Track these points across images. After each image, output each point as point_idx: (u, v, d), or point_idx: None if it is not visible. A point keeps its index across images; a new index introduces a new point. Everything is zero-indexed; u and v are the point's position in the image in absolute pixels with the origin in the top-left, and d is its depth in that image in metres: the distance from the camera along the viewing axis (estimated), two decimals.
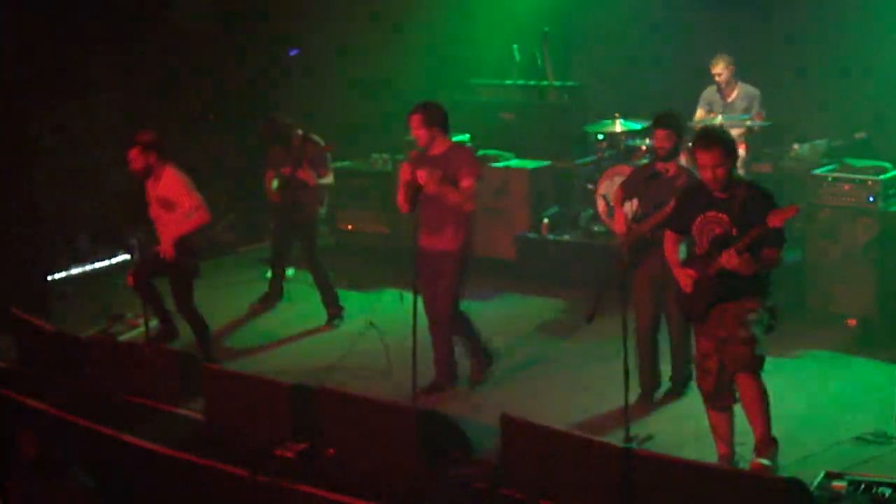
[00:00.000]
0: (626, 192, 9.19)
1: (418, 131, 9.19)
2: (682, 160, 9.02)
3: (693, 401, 8.19)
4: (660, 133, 8.80)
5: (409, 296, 8.91)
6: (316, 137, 11.24)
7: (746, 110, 11.74)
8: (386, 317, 9.51)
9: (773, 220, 7.14)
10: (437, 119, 9.20)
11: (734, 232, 7.30)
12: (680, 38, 12.80)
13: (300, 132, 11.26)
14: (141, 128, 10.54)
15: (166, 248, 10.05)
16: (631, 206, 9.05)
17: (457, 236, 9.15)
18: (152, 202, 10.34)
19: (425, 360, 8.84)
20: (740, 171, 9.87)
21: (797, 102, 12.04)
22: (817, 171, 10.59)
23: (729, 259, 7.23)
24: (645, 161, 10.63)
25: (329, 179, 11.27)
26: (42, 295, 11.68)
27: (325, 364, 9.91)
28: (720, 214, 7.39)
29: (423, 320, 8.84)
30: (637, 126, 12.25)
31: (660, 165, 8.83)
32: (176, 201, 10.14)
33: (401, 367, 9.07)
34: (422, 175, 8.89)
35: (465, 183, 9.04)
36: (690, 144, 7.78)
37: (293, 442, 8.19)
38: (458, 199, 8.95)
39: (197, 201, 10.09)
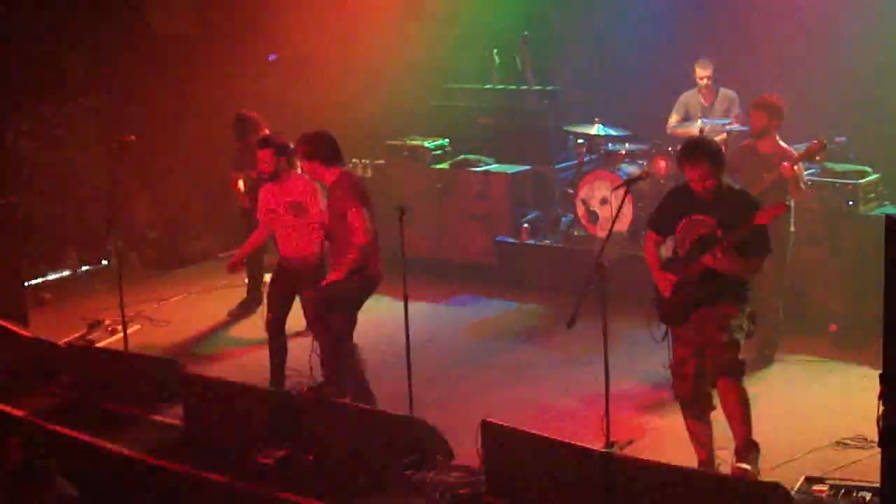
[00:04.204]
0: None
1: (305, 166, 9.17)
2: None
3: (673, 405, 8.17)
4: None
5: None
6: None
7: (725, 114, 11.75)
8: (371, 323, 9.48)
9: (762, 218, 7.15)
10: (319, 149, 9.04)
11: (719, 234, 7.28)
12: (659, 43, 12.80)
13: (268, 132, 11.20)
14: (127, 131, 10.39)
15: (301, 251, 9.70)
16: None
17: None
18: (277, 206, 9.72)
19: (418, 366, 8.78)
20: None
21: None
22: None
23: (713, 259, 7.21)
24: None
25: None
26: (19, 301, 11.61)
27: (304, 369, 9.87)
28: (706, 217, 7.38)
29: (415, 326, 8.75)
30: (615, 132, 12.28)
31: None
32: (307, 207, 9.59)
33: (393, 374, 9.03)
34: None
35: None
36: (678, 156, 7.71)
37: (273, 448, 8.15)
38: None
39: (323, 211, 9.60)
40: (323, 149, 9.00)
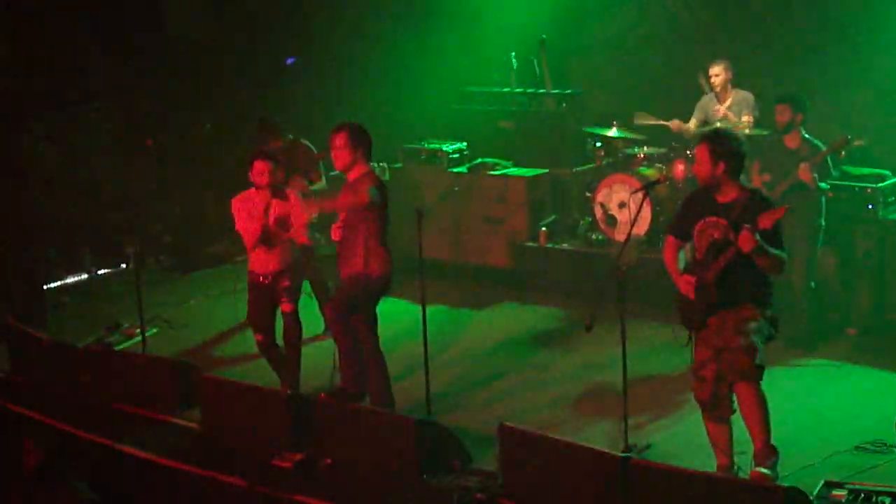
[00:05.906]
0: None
1: (340, 152, 8.95)
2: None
3: (692, 410, 8.15)
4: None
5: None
6: (307, 143, 11.19)
7: (739, 115, 11.72)
8: (389, 326, 9.47)
9: (763, 222, 7.13)
10: (363, 141, 8.99)
11: (731, 237, 7.27)
12: (677, 47, 12.78)
13: (291, 137, 11.20)
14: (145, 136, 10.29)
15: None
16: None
17: (367, 262, 8.93)
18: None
19: (436, 370, 8.78)
20: None
21: None
22: None
23: (745, 240, 7.12)
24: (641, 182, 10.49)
25: (321, 185, 11.18)
26: (38, 304, 11.64)
27: (322, 372, 9.87)
28: (720, 220, 7.37)
29: (433, 330, 8.74)
30: (634, 136, 12.25)
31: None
32: (293, 221, 9.74)
33: (411, 377, 9.03)
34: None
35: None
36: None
37: (291, 452, 8.15)
38: None
39: None
40: (369, 142, 9.02)
